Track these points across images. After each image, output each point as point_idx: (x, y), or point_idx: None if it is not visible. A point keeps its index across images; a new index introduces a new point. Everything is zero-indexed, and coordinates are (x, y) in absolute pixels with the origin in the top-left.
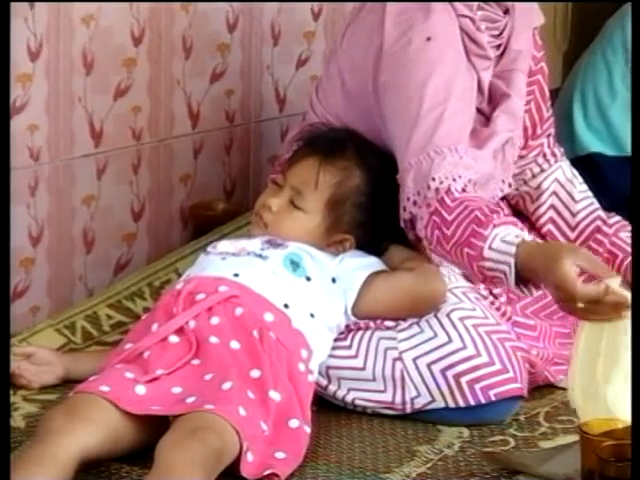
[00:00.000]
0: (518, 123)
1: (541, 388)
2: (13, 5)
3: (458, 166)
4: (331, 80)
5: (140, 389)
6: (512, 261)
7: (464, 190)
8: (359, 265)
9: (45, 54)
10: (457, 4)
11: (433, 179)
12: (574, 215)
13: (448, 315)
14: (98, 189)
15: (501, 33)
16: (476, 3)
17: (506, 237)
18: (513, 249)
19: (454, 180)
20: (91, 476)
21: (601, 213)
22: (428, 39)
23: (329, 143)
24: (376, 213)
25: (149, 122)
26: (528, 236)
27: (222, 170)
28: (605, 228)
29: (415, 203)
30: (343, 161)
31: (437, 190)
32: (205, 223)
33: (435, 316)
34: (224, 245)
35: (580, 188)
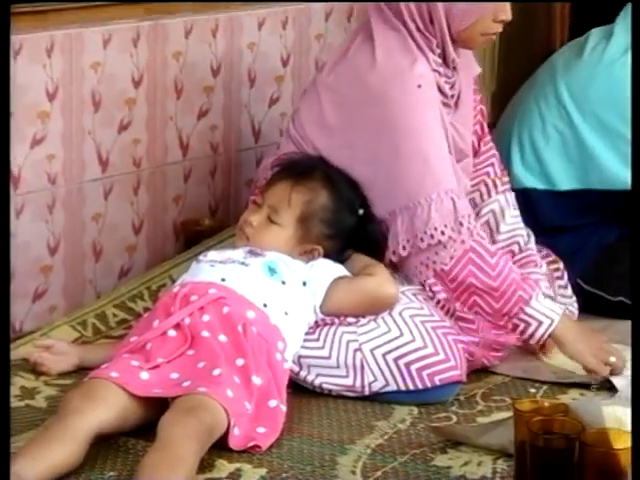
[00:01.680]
0: (467, 180)
1: (479, 372)
2: (32, 52)
3: (469, 208)
4: (310, 111)
5: (144, 375)
6: (557, 318)
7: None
8: (326, 271)
9: (60, 95)
10: (430, 59)
11: (464, 217)
12: (496, 242)
13: (400, 313)
14: (105, 208)
15: (453, 86)
16: (440, 60)
17: (546, 299)
18: (561, 309)
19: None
20: (103, 448)
21: (519, 241)
22: (419, 86)
23: (300, 168)
24: (340, 227)
25: (147, 152)
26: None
27: (208, 192)
28: (516, 257)
29: (443, 233)
30: (312, 183)
31: (469, 229)
32: (194, 236)
33: (389, 314)
34: (213, 254)
35: (509, 221)
